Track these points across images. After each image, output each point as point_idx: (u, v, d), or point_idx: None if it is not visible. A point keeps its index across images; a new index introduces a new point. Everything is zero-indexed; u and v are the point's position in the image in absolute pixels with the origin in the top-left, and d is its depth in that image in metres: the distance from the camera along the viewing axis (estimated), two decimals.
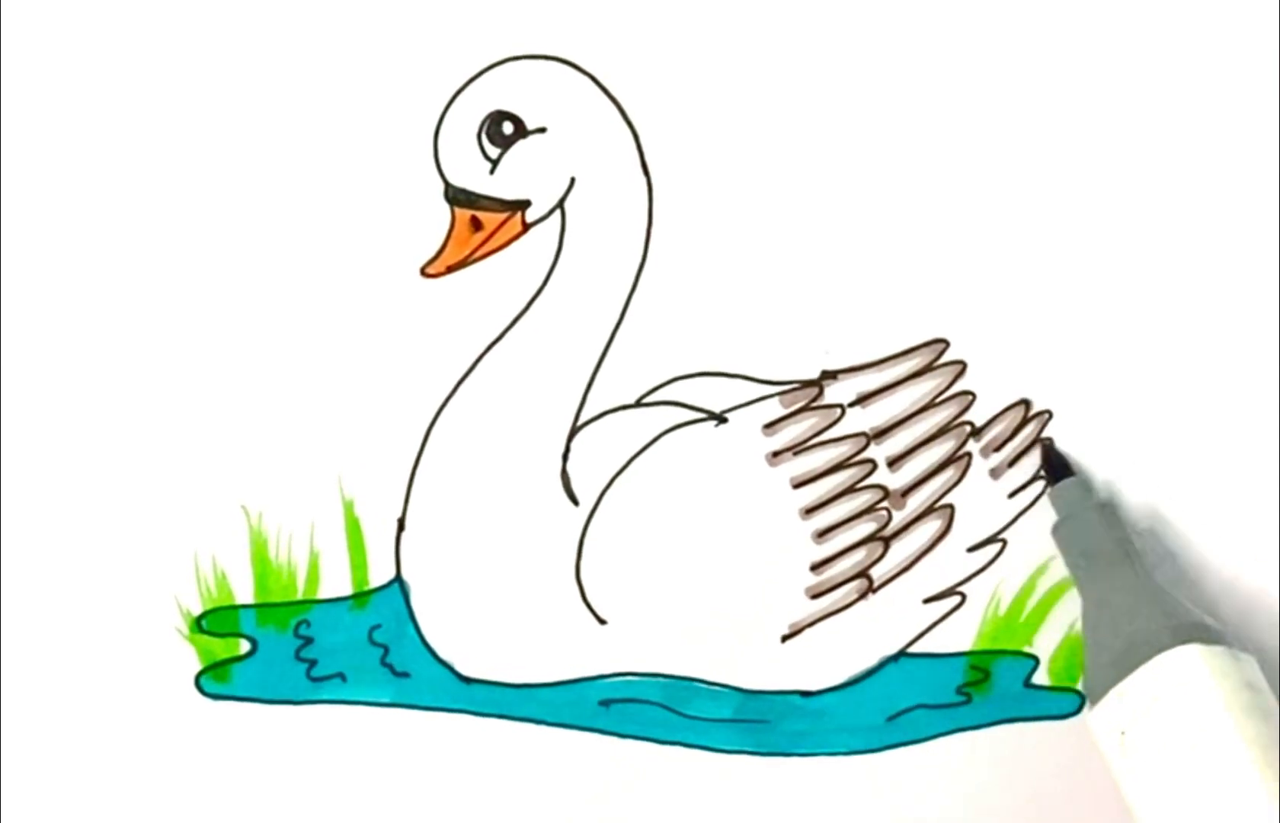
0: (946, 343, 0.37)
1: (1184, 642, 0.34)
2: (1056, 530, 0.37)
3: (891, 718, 0.39)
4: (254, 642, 0.37)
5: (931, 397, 0.38)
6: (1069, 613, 0.39)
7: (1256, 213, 0.37)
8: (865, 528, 0.38)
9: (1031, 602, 0.39)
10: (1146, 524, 0.38)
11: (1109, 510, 0.37)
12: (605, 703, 0.38)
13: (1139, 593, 0.35)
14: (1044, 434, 0.38)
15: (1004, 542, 0.38)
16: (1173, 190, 0.37)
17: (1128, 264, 0.37)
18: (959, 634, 0.39)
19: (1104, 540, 0.36)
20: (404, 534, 0.37)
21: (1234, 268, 0.37)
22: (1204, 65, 0.36)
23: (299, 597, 0.37)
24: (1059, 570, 0.38)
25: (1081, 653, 0.39)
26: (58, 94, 0.35)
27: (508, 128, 0.36)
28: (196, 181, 0.35)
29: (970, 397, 0.38)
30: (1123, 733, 0.33)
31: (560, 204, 0.36)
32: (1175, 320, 0.37)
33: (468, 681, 0.38)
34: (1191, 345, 0.38)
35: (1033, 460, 0.38)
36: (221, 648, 0.37)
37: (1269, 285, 0.37)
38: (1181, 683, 0.33)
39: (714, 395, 0.37)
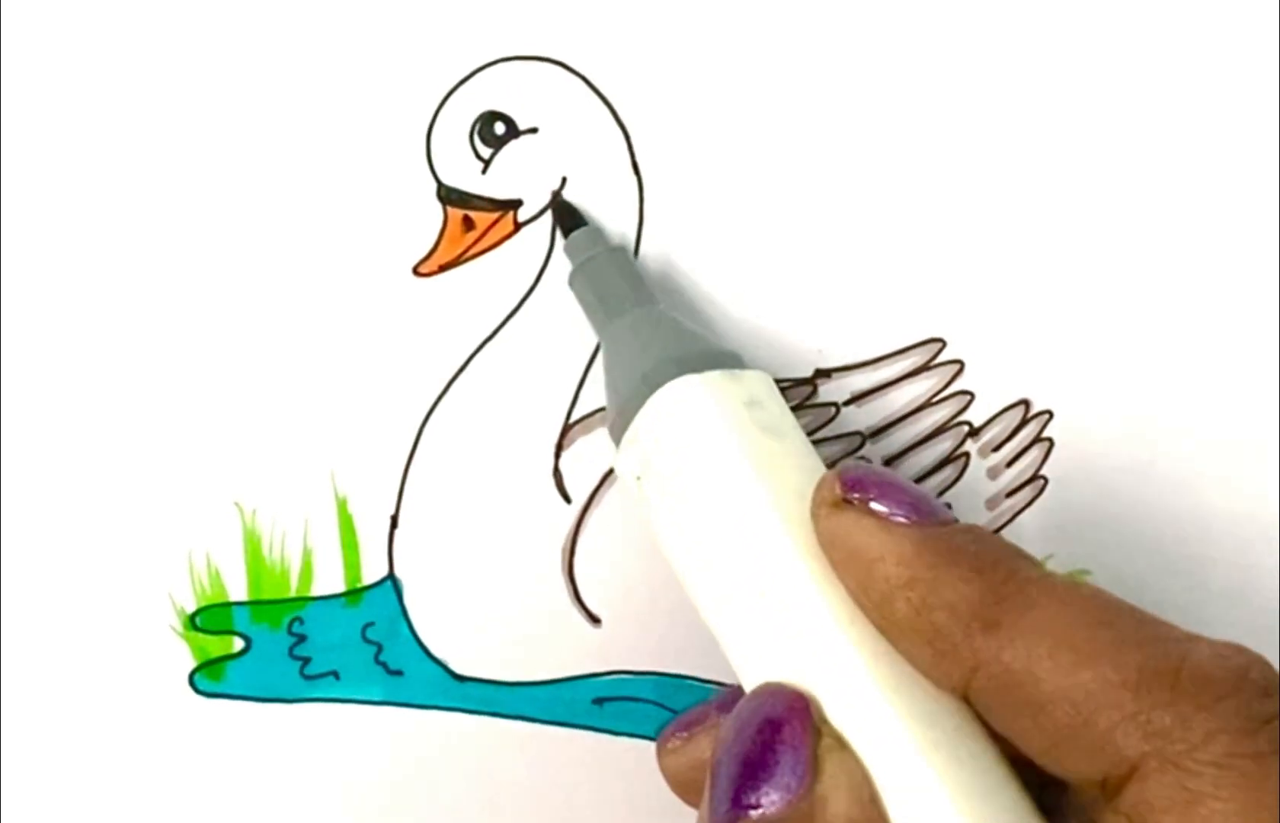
0: (943, 342, 0.37)
1: (682, 373, 0.31)
2: (572, 279, 0.35)
3: None
4: (247, 639, 0.37)
5: (928, 396, 0.37)
6: None
7: (1256, 212, 0.37)
8: None
9: None
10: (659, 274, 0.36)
11: (621, 255, 0.35)
12: (599, 701, 0.38)
13: (651, 332, 0.33)
14: (1044, 434, 0.38)
15: None
16: (1172, 188, 0.37)
17: (1128, 263, 0.37)
18: None
19: (618, 284, 0.35)
20: (397, 532, 0.37)
21: (1234, 266, 0.37)
22: (1204, 65, 0.36)
23: (292, 594, 0.37)
24: (1056, 568, 0.38)
25: None
26: (55, 94, 0.35)
27: (500, 128, 0.36)
28: (189, 181, 0.35)
29: (968, 396, 0.37)
30: (638, 478, 0.32)
31: (552, 203, 0.36)
32: (1176, 319, 0.37)
33: (461, 678, 0.38)
34: (1193, 345, 0.37)
35: (1032, 460, 0.38)
36: (215, 646, 0.37)
37: (1269, 284, 0.37)
38: (679, 414, 0.31)
39: None
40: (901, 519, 0.28)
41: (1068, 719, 0.26)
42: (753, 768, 0.27)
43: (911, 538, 0.28)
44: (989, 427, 0.38)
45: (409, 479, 0.37)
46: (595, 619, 0.38)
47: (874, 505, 0.28)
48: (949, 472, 0.38)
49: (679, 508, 0.31)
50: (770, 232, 0.36)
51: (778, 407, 0.32)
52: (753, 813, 0.27)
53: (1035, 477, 0.38)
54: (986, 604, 0.27)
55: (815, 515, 0.29)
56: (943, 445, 0.38)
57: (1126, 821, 0.25)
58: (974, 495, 0.38)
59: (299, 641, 0.37)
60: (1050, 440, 0.38)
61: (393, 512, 0.37)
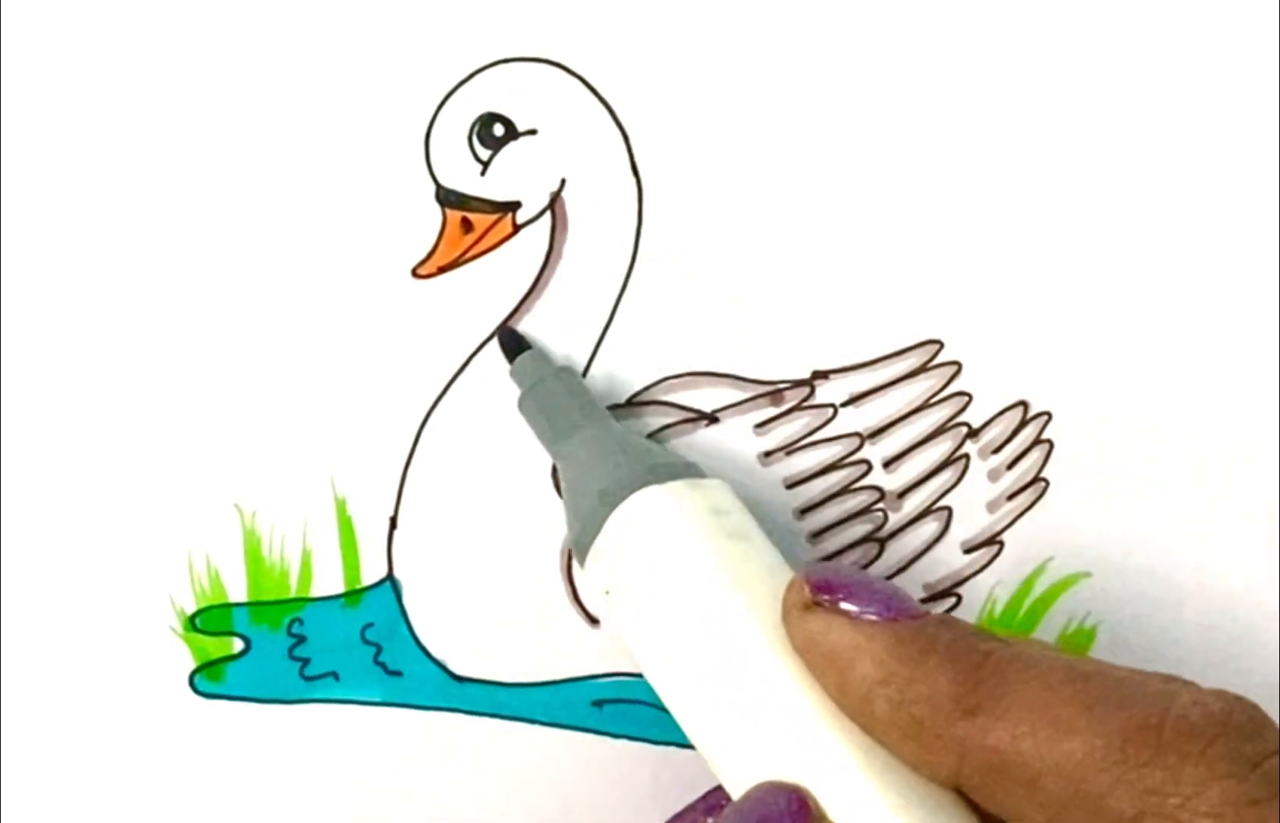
0: (941, 343, 0.37)
1: (644, 485, 0.32)
2: (522, 404, 0.36)
3: None
4: (247, 640, 0.37)
5: (926, 398, 0.37)
6: (1065, 614, 0.39)
7: (1256, 212, 0.37)
8: (860, 529, 0.38)
9: (1028, 603, 0.39)
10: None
11: (568, 375, 0.36)
12: (598, 703, 0.38)
13: (607, 447, 0.34)
14: (1044, 436, 0.38)
15: (1001, 543, 0.38)
16: (1171, 189, 0.36)
17: (1126, 263, 0.37)
18: None
19: (567, 404, 0.35)
20: (396, 533, 0.37)
21: (1234, 267, 0.37)
22: (1204, 65, 0.36)
23: (292, 595, 0.37)
24: (1056, 571, 0.38)
25: (1078, 650, 0.38)
26: (55, 94, 0.35)
27: (499, 130, 0.36)
28: (188, 183, 0.35)
29: (966, 398, 0.37)
30: (606, 593, 0.32)
31: (550, 205, 0.36)
32: (1176, 319, 0.37)
33: (460, 679, 0.38)
34: (1193, 345, 0.37)
35: (1033, 462, 0.38)
36: (215, 647, 0.37)
37: (1269, 284, 0.37)
38: (645, 526, 0.32)
39: (705, 396, 0.37)
40: (873, 617, 0.29)
41: (1060, 792, 0.26)
42: None
43: (884, 635, 0.28)
44: (988, 428, 0.38)
45: (408, 480, 0.37)
46: (594, 621, 0.38)
47: (844, 605, 0.29)
48: (949, 474, 0.38)
49: (652, 618, 0.31)
50: (769, 233, 0.36)
51: (740, 512, 0.33)
52: None
53: (1036, 479, 0.38)
54: (964, 692, 0.27)
55: (787, 620, 0.30)
56: (942, 447, 0.38)
57: None
58: (974, 499, 0.38)
59: (298, 641, 0.37)
60: (1050, 442, 0.38)
61: (392, 513, 0.37)
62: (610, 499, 0.32)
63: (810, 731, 0.29)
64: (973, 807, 0.28)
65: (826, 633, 0.29)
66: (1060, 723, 0.26)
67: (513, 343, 0.36)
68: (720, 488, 0.33)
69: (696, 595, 0.30)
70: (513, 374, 0.36)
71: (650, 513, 0.32)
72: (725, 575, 0.30)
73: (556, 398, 0.35)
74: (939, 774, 0.28)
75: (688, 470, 0.33)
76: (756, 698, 0.29)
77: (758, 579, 0.31)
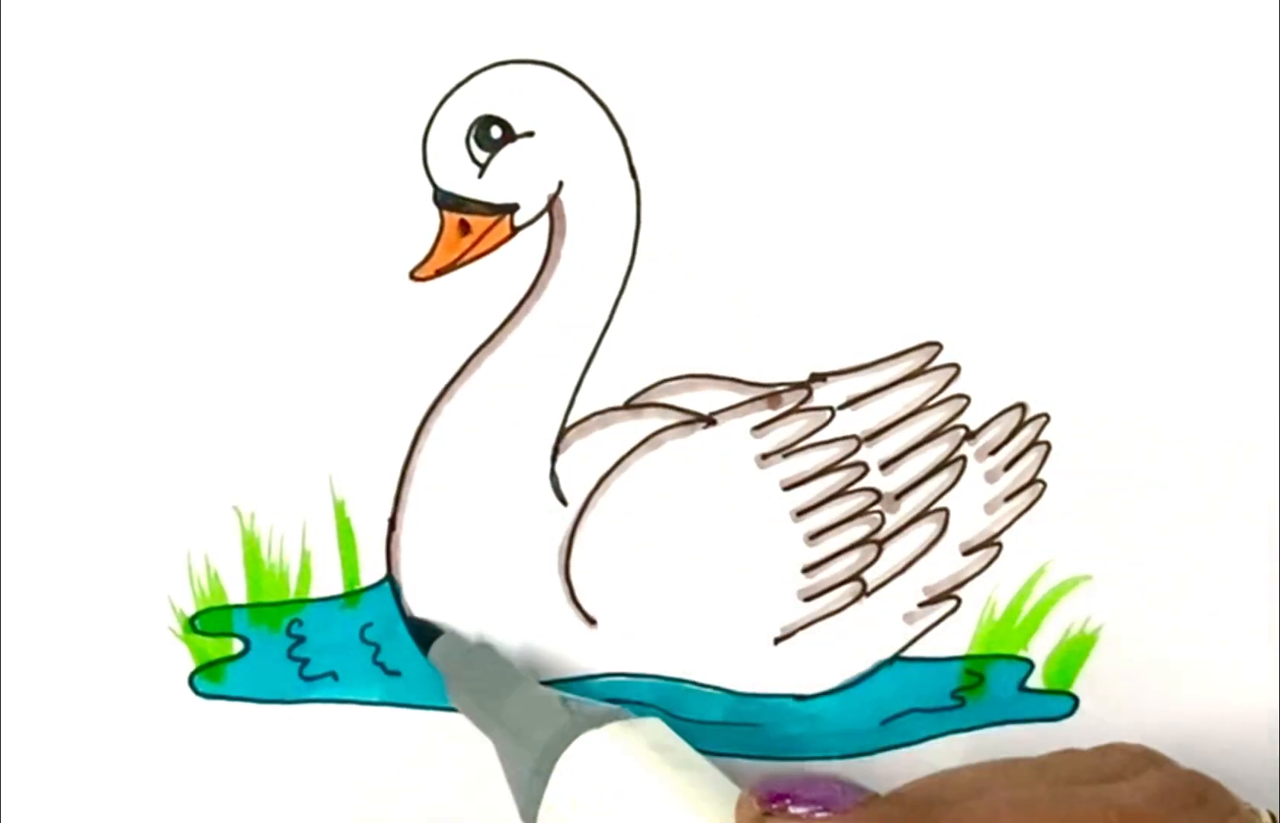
0: (939, 346, 0.37)
1: (580, 733, 0.33)
2: (452, 695, 0.37)
3: (885, 722, 0.39)
4: (247, 641, 0.37)
5: (925, 399, 0.37)
6: (1065, 616, 0.39)
7: (1256, 212, 0.37)
8: (858, 531, 0.38)
9: (1028, 606, 0.39)
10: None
11: (486, 648, 0.37)
12: None
13: (535, 707, 0.35)
14: (1041, 437, 0.38)
15: (1000, 545, 0.38)
16: (1170, 190, 0.36)
17: (1124, 264, 0.37)
18: (954, 638, 0.39)
19: (492, 676, 0.36)
20: (394, 534, 0.37)
21: (1234, 267, 0.37)
22: (1204, 65, 0.36)
23: (291, 596, 0.37)
24: (1056, 574, 0.38)
25: (1079, 654, 0.39)
26: (55, 95, 0.35)
27: (496, 132, 0.36)
28: (187, 185, 0.35)
29: (965, 400, 0.37)
30: None
31: (548, 207, 0.36)
32: (1174, 321, 0.37)
33: None
34: (1191, 346, 0.37)
35: (1030, 463, 0.38)
36: (214, 648, 0.37)
37: (1269, 285, 0.37)
38: (591, 772, 0.33)
39: (702, 398, 0.37)
40: (821, 814, 0.30)
41: None
42: None
43: None
44: (986, 430, 0.38)
45: (406, 482, 0.37)
46: (591, 621, 0.38)
47: (793, 810, 0.30)
48: (946, 476, 0.38)
49: None
50: (767, 235, 0.36)
51: (680, 745, 0.34)
52: None
53: (1034, 480, 0.38)
54: None
55: None
56: (940, 449, 0.38)
57: None
58: (972, 501, 0.38)
59: (298, 642, 0.38)
60: (1048, 444, 0.38)
61: (390, 514, 0.37)
62: (552, 753, 0.33)
63: None
64: None
65: None
66: None
67: (422, 632, 0.37)
68: (655, 725, 0.34)
69: None
70: (432, 660, 0.37)
71: (595, 758, 0.33)
72: (681, 803, 0.32)
73: (484, 672, 0.36)
74: None
75: (619, 714, 0.34)
76: None
77: (709, 804, 0.32)
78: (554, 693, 0.36)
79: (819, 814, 0.30)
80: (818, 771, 0.35)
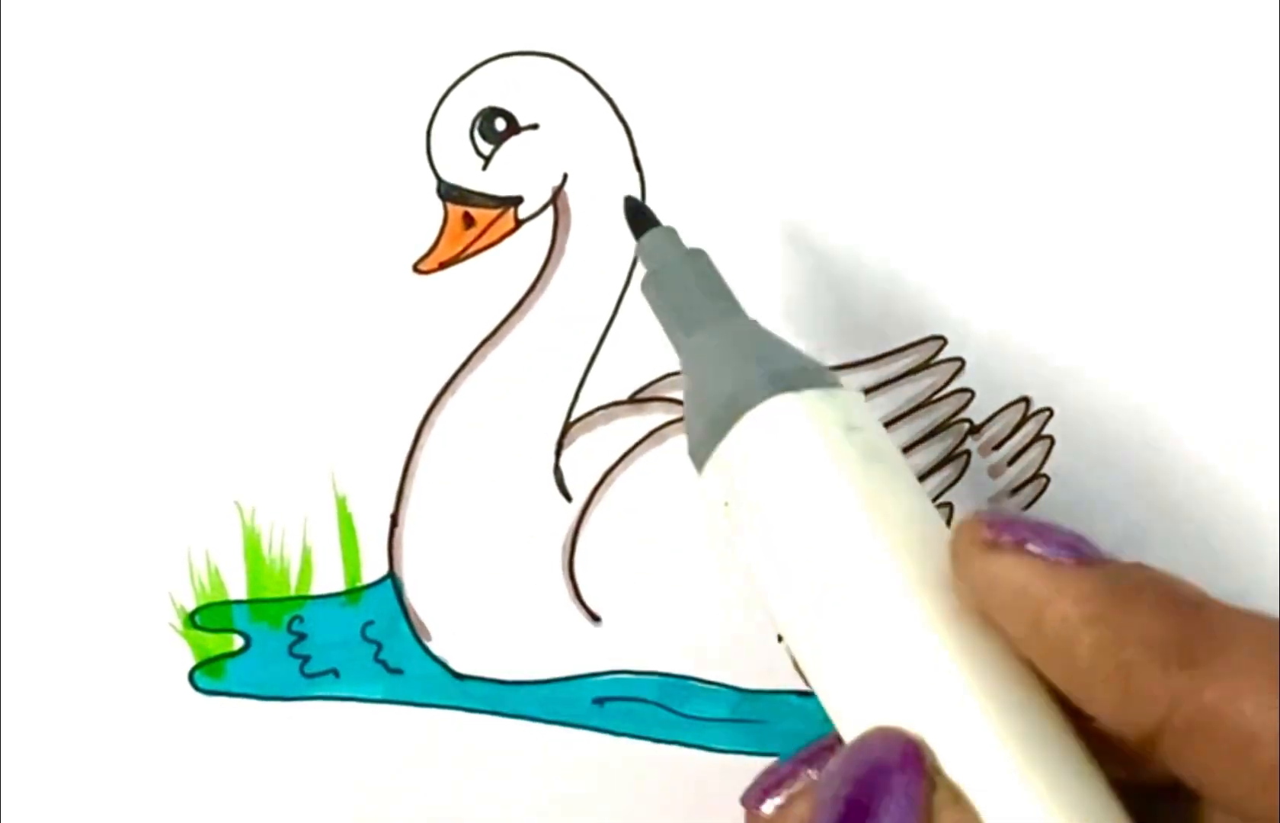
0: (943, 340, 0.37)
1: (776, 392, 0.29)
2: (645, 287, 0.33)
3: None
4: (247, 638, 0.37)
5: (929, 394, 0.37)
6: None
7: (1256, 211, 0.37)
8: None
9: None
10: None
11: (700, 259, 0.33)
12: (599, 701, 0.38)
13: (735, 345, 0.31)
14: (1044, 432, 0.38)
15: None
16: (1173, 187, 0.37)
17: (1128, 260, 0.37)
18: None
19: (696, 293, 0.32)
20: (396, 530, 0.37)
21: (1235, 265, 0.37)
22: (1204, 65, 0.36)
23: (292, 593, 0.37)
24: None
25: None
26: (55, 94, 0.35)
27: (500, 124, 0.36)
28: (190, 179, 0.35)
29: (969, 394, 0.37)
30: (726, 505, 0.29)
31: (553, 200, 0.36)
32: (1177, 317, 0.37)
33: (461, 677, 0.38)
34: (1194, 342, 0.37)
35: (1033, 457, 0.38)
36: (215, 644, 0.37)
37: (1269, 284, 0.37)
38: (774, 438, 0.29)
39: None
40: (1067, 557, 0.26)
41: (1275, 761, 0.24)
42: (860, 814, 0.26)
43: (1088, 576, 0.26)
44: (989, 424, 0.38)
45: (409, 478, 0.37)
46: (595, 618, 0.38)
47: (1031, 548, 0.26)
48: (949, 471, 0.38)
49: (774, 539, 0.28)
50: (771, 228, 0.36)
51: (876, 429, 0.30)
52: None
53: (1037, 475, 0.38)
54: (1182, 640, 0.25)
55: (964, 559, 0.27)
56: (944, 443, 0.38)
57: None
58: (975, 494, 0.38)
59: (299, 639, 0.37)
60: (1051, 438, 0.38)
61: (392, 510, 0.37)
62: (737, 405, 0.29)
63: (941, 674, 0.26)
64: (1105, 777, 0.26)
65: (1013, 574, 0.26)
66: None
67: (639, 216, 0.34)
68: (855, 400, 0.30)
69: (824, 517, 0.28)
70: (639, 252, 0.33)
71: (780, 424, 0.29)
72: (855, 495, 0.28)
73: (685, 285, 0.32)
74: (1137, 726, 0.25)
75: (823, 378, 0.30)
76: (882, 634, 0.27)
77: (892, 502, 0.28)
78: (760, 331, 0.31)
79: (1065, 557, 0.26)
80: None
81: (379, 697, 0.38)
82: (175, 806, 0.38)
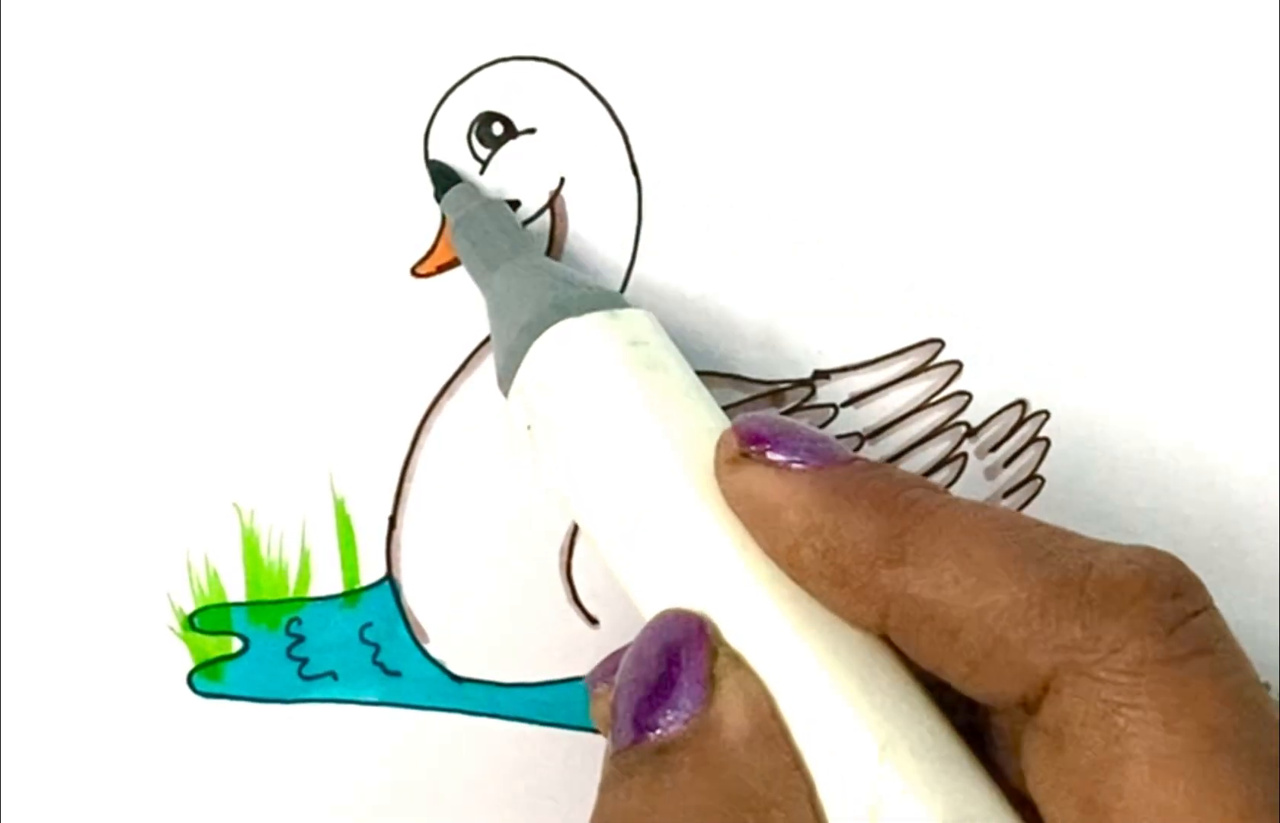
0: (941, 343, 0.37)
1: (561, 319, 0.31)
2: (454, 237, 0.35)
3: None
4: (246, 640, 0.37)
5: (926, 397, 0.37)
6: None
7: (1256, 211, 0.37)
8: None
9: None
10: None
11: (497, 207, 0.35)
12: None
13: (529, 281, 0.33)
14: (1040, 434, 0.38)
15: None
16: (1171, 188, 0.37)
17: (1126, 262, 0.37)
18: None
19: (496, 237, 0.34)
20: (394, 532, 0.37)
21: (1234, 266, 0.37)
22: (1204, 65, 0.36)
23: (290, 595, 0.37)
24: None
25: None
26: (55, 94, 0.35)
27: (497, 128, 0.36)
28: (186, 181, 0.35)
29: (966, 397, 0.37)
30: (529, 428, 0.32)
31: (550, 204, 0.36)
32: (1174, 319, 0.37)
33: (459, 679, 0.38)
34: (1191, 344, 0.37)
35: (1029, 459, 0.38)
36: (213, 646, 0.37)
37: (1269, 284, 0.37)
38: (562, 359, 0.31)
39: None
40: (799, 465, 0.28)
41: (980, 642, 0.25)
42: (651, 692, 0.27)
43: (809, 483, 0.28)
44: (986, 427, 0.38)
45: (407, 480, 0.37)
46: (593, 620, 0.38)
47: (771, 456, 0.28)
48: (946, 473, 0.38)
49: (570, 452, 0.31)
50: (769, 232, 0.36)
51: (661, 342, 0.32)
52: (651, 736, 0.27)
53: (1032, 476, 0.38)
54: (890, 539, 0.26)
55: (718, 475, 0.29)
56: (940, 446, 0.38)
57: (1048, 737, 0.25)
58: (972, 496, 0.38)
59: (297, 641, 0.37)
60: (1047, 440, 0.38)
61: (390, 512, 0.37)
62: (529, 332, 0.32)
63: (717, 551, 0.28)
64: (894, 652, 0.28)
65: (753, 484, 0.28)
66: (983, 574, 0.25)
67: (442, 177, 0.36)
68: (641, 317, 0.32)
69: (610, 426, 0.30)
70: (443, 206, 0.35)
71: (566, 346, 0.31)
72: (638, 402, 0.30)
73: (486, 230, 0.34)
74: (865, 623, 0.27)
75: (610, 302, 0.32)
76: (667, 524, 0.29)
77: (674, 406, 0.30)
78: (554, 268, 0.34)
79: (796, 465, 0.28)
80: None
81: (377, 699, 0.38)
82: (174, 808, 0.38)
